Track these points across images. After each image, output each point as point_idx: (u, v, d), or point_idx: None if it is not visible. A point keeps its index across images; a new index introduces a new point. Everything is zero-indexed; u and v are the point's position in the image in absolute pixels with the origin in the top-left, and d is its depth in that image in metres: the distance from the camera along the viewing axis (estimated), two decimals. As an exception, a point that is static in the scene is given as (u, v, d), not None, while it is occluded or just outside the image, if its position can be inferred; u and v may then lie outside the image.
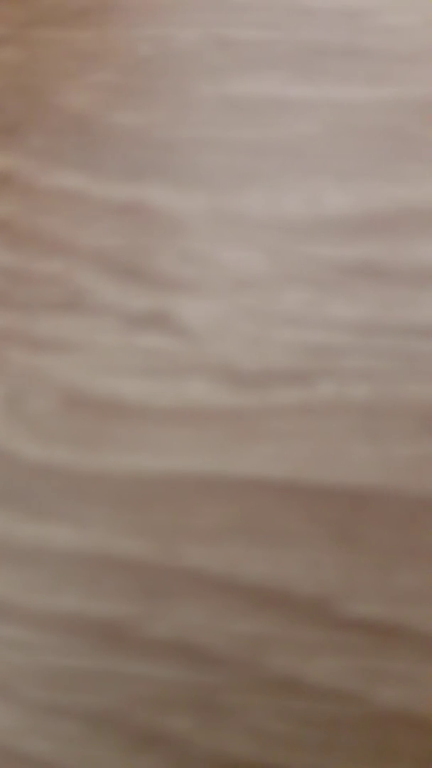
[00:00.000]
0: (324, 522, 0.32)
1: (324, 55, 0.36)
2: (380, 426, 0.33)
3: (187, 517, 0.33)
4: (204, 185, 0.35)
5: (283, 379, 0.33)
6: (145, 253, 0.35)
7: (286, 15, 0.37)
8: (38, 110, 0.37)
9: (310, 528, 0.32)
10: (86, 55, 0.38)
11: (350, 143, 0.35)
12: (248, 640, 0.32)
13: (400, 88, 0.36)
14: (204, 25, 0.37)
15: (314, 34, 0.37)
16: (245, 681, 0.32)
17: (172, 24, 0.38)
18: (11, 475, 0.34)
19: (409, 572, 0.32)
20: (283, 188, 0.35)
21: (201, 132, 0.36)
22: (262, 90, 0.36)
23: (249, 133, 0.36)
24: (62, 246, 0.36)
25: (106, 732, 0.33)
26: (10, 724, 0.33)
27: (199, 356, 0.34)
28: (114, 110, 0.37)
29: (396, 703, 0.32)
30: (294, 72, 0.36)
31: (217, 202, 0.35)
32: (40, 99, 0.37)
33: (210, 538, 0.33)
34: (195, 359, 0.34)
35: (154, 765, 0.32)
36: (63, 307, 0.35)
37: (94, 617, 0.33)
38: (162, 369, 0.34)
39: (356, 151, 0.35)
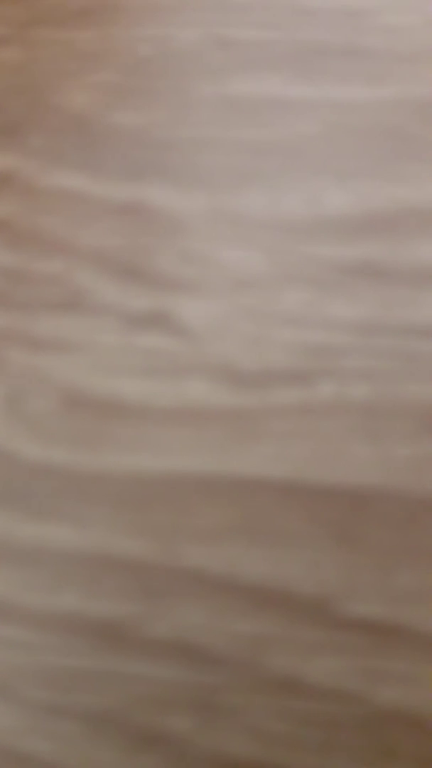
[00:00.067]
0: (324, 522, 0.32)
1: (324, 55, 0.36)
2: (380, 426, 0.33)
3: (187, 517, 0.33)
4: (204, 185, 0.35)
5: (283, 379, 0.33)
6: (145, 253, 0.35)
7: (286, 15, 0.37)
8: (38, 110, 0.37)
9: (310, 528, 0.32)
10: (86, 55, 0.38)
11: (350, 143, 0.35)
12: (248, 640, 0.32)
13: (400, 88, 0.36)
14: (204, 25, 0.37)
15: (314, 34, 0.37)
16: (245, 681, 0.32)
17: (172, 24, 0.38)
18: (11, 475, 0.34)
19: (409, 572, 0.32)
20: (283, 188, 0.35)
21: (201, 132, 0.36)
22: (262, 90, 0.36)
23: (249, 133, 0.36)
24: (62, 246, 0.36)
25: (106, 732, 0.33)
26: (10, 724, 0.33)
27: (199, 356, 0.34)
28: (114, 110, 0.37)
29: (396, 703, 0.32)
30: (294, 72, 0.36)
31: (217, 202, 0.35)
32: (40, 99, 0.37)
33: (210, 538, 0.33)
34: (195, 359, 0.34)
35: (154, 765, 0.32)
36: (63, 307, 0.35)
37: (94, 617, 0.33)
38: (162, 369, 0.34)
39: (356, 151, 0.35)
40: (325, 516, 0.32)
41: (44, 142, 0.37)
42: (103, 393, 0.34)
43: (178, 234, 0.35)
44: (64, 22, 0.39)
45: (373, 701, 0.32)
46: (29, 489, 0.34)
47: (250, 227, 0.35)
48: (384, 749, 0.32)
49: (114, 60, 0.38)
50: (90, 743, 0.33)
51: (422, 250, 0.34)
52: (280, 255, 0.34)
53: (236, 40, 0.37)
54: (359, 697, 0.32)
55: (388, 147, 0.35)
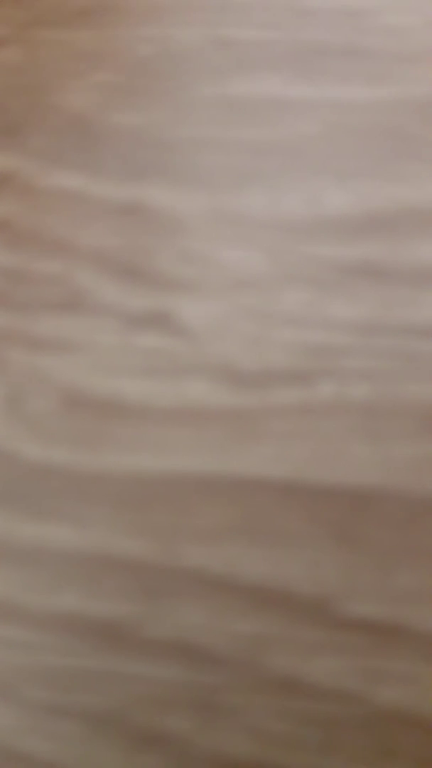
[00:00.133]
0: (324, 522, 0.32)
1: (324, 55, 0.36)
2: (380, 426, 0.33)
3: (187, 517, 0.33)
4: (204, 185, 0.35)
5: (283, 379, 0.33)
6: (145, 253, 0.35)
7: (286, 15, 0.37)
8: (38, 110, 0.37)
9: (310, 528, 0.32)
10: (86, 55, 0.38)
11: (350, 143, 0.35)
12: (248, 640, 0.32)
13: (400, 88, 0.36)
14: (204, 25, 0.37)
15: (314, 34, 0.37)
16: (245, 681, 0.32)
17: (172, 24, 0.38)
18: (11, 475, 0.34)
19: (409, 572, 0.32)
20: (283, 188, 0.35)
21: (201, 132, 0.36)
22: (262, 90, 0.36)
23: (249, 133, 0.36)
24: (62, 246, 0.36)
25: (106, 732, 0.33)
26: (10, 724, 0.33)
27: (199, 356, 0.34)
28: (114, 110, 0.37)
29: (396, 703, 0.32)
30: (294, 72, 0.36)
31: (217, 202, 0.35)
32: (40, 99, 0.37)
33: (210, 538, 0.33)
34: (195, 359, 0.34)
35: (154, 765, 0.32)
36: (63, 307, 0.35)
37: (94, 617, 0.33)
38: (162, 369, 0.34)
39: (356, 151, 0.35)
40: (325, 516, 0.32)
41: (44, 142, 0.37)
42: (103, 393, 0.34)
43: (178, 234, 0.35)
44: (64, 22, 0.39)
45: (373, 701, 0.32)
46: (29, 489, 0.34)
47: (250, 227, 0.35)
48: (384, 749, 0.32)
49: (114, 60, 0.38)
50: (90, 743, 0.33)
51: (422, 250, 0.34)
52: (280, 255, 0.34)
53: (236, 40, 0.37)
54: (359, 697, 0.32)
55: (388, 147, 0.35)
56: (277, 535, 0.33)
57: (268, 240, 0.35)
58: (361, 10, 0.37)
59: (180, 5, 0.38)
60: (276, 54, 0.37)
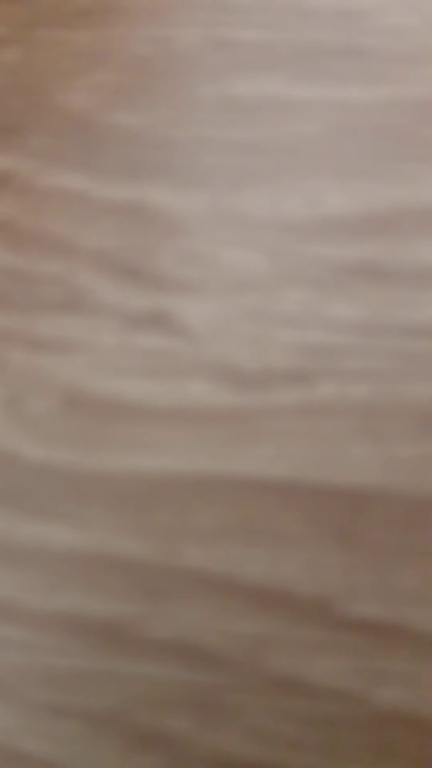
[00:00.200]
0: (324, 522, 0.32)
1: (324, 55, 0.36)
2: (380, 426, 0.33)
3: (187, 517, 0.33)
4: (204, 185, 0.35)
5: (283, 379, 0.33)
6: (145, 253, 0.35)
7: (286, 15, 0.37)
8: (38, 110, 0.37)
9: (310, 528, 0.32)
10: (86, 55, 0.38)
11: (350, 143, 0.35)
12: (248, 640, 0.32)
13: (400, 88, 0.36)
14: (204, 26, 0.37)
15: (314, 35, 0.37)
16: (245, 681, 0.32)
17: (172, 24, 0.38)
18: (11, 475, 0.34)
19: (409, 572, 0.32)
20: (283, 188, 0.35)
21: (201, 132, 0.36)
22: (262, 90, 0.36)
23: (249, 133, 0.36)
24: (62, 246, 0.36)
25: (106, 732, 0.33)
26: (10, 724, 0.33)
27: (199, 356, 0.34)
28: (114, 110, 0.37)
29: (396, 703, 0.32)
30: (294, 72, 0.36)
31: (217, 202, 0.35)
32: (40, 99, 0.37)
33: (210, 538, 0.33)
34: (195, 359, 0.34)
35: (154, 765, 0.32)
36: (63, 307, 0.35)
37: (94, 617, 0.33)
38: (162, 369, 0.34)
39: (356, 151, 0.35)
40: (325, 516, 0.32)
41: (44, 142, 0.37)
42: (104, 393, 0.34)
43: (178, 234, 0.35)
44: (64, 22, 0.39)
45: (373, 701, 0.32)
46: (29, 489, 0.34)
47: (250, 227, 0.35)
48: (384, 749, 0.32)
49: (114, 60, 0.38)
50: (90, 743, 0.33)
51: (422, 251, 0.34)
52: (280, 255, 0.34)
53: (236, 40, 0.37)
54: (359, 697, 0.32)
55: (387, 147, 0.35)
56: (277, 535, 0.33)
57: (268, 240, 0.35)
58: (361, 10, 0.37)
59: (180, 5, 0.38)
60: (276, 54, 0.37)
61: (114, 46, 0.38)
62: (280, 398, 0.33)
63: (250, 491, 0.33)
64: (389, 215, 0.34)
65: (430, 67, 0.36)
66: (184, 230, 0.35)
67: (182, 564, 0.33)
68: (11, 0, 0.40)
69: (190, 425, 0.33)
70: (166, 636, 0.33)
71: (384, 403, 0.33)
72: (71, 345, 0.35)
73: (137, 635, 0.33)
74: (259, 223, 0.35)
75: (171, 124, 0.36)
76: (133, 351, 0.34)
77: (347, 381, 0.33)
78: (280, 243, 0.34)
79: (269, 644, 0.32)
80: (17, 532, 0.34)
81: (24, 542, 0.34)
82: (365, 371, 0.33)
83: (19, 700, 0.33)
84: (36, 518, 0.34)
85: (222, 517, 0.33)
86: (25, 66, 0.38)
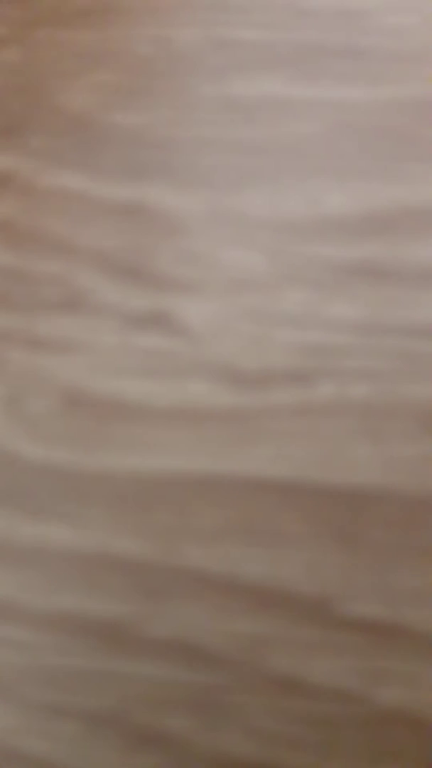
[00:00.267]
0: (324, 522, 0.32)
1: (324, 55, 0.36)
2: (380, 426, 0.33)
3: (187, 517, 0.33)
4: (204, 185, 0.35)
5: (283, 379, 0.33)
6: (145, 253, 0.35)
7: (286, 15, 0.37)
8: (38, 110, 0.37)
9: (310, 528, 0.32)
10: (86, 55, 0.38)
11: (350, 143, 0.35)
12: (248, 640, 0.32)
13: (400, 88, 0.36)
14: (204, 25, 0.37)
15: (314, 35, 0.37)
16: (245, 681, 0.32)
17: (172, 24, 0.38)
18: (11, 475, 0.34)
19: (409, 572, 0.32)
20: (283, 188, 0.35)
21: (201, 132, 0.36)
22: (262, 90, 0.36)
23: (249, 133, 0.36)
24: (62, 246, 0.36)
25: (106, 732, 0.33)
26: (9, 724, 0.33)
27: (199, 356, 0.34)
28: (114, 110, 0.37)
29: (396, 703, 0.32)
30: (294, 72, 0.36)
31: (217, 202, 0.35)
32: (40, 99, 0.37)
33: (210, 538, 0.33)
34: (195, 359, 0.34)
35: (154, 765, 0.32)
36: (63, 307, 0.35)
37: (94, 617, 0.33)
38: (162, 369, 0.34)
39: (356, 151, 0.35)
40: (325, 516, 0.32)
41: (44, 142, 0.37)
42: (104, 393, 0.34)
43: (178, 234, 0.35)
44: (64, 22, 0.39)
45: (373, 701, 0.32)
46: (29, 489, 0.34)
47: (250, 227, 0.35)
48: (384, 749, 0.32)
49: (114, 60, 0.38)
50: (90, 743, 0.33)
51: (422, 251, 0.34)
52: (280, 255, 0.34)
53: (236, 40, 0.37)
54: (359, 697, 0.32)
55: (388, 147, 0.35)
56: (277, 535, 0.33)
57: (268, 240, 0.35)
58: (361, 10, 0.37)
59: (180, 5, 0.38)
60: (276, 54, 0.37)
61: (114, 46, 0.38)
62: (280, 398, 0.33)
63: (250, 491, 0.33)
64: (389, 215, 0.34)
65: (430, 67, 0.36)
66: (184, 230, 0.35)
67: (182, 564, 0.33)
68: (11, 0, 0.40)
69: (190, 425, 0.33)
70: (166, 636, 0.33)
71: (384, 403, 0.33)
72: (71, 345, 0.35)
73: (137, 635, 0.33)
74: (259, 223, 0.35)
75: (171, 124, 0.36)
76: (133, 351, 0.34)
77: (347, 381, 0.33)
78: (280, 243, 0.34)
79: (269, 644, 0.32)
80: (17, 532, 0.34)
81: (24, 542, 0.34)
82: (365, 371, 0.33)
83: (19, 700, 0.33)
84: (36, 518, 0.34)
85: (222, 517, 0.33)
86: (25, 66, 0.38)
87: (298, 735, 0.32)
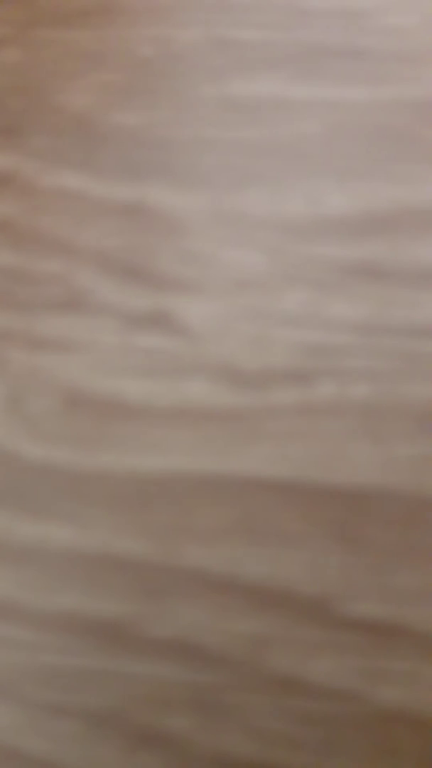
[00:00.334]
0: (324, 522, 0.32)
1: (324, 55, 0.36)
2: (380, 426, 0.33)
3: (187, 517, 0.33)
4: (204, 185, 0.35)
5: (283, 379, 0.33)
6: (145, 253, 0.35)
7: (286, 15, 0.37)
8: (38, 110, 0.37)
9: (310, 528, 0.32)
10: (86, 55, 0.38)
11: (350, 143, 0.35)
12: (248, 640, 0.32)
13: (400, 88, 0.36)
14: (204, 26, 0.37)
15: (314, 35, 0.37)
16: (245, 681, 0.32)
17: (172, 24, 0.38)
18: (11, 474, 0.34)
19: (409, 572, 0.32)
20: (284, 188, 0.35)
21: (201, 132, 0.36)
22: (262, 90, 0.36)
23: (249, 133, 0.36)
24: (62, 246, 0.36)
25: (106, 731, 0.33)
26: (10, 723, 0.33)
27: (200, 356, 0.34)
28: (114, 110, 0.37)
29: (396, 703, 0.32)
30: (294, 72, 0.36)
31: (217, 202, 0.35)
32: (40, 99, 0.37)
33: (210, 538, 0.33)
34: (195, 359, 0.34)
35: (154, 765, 0.32)
36: (63, 307, 0.35)
37: (94, 617, 0.33)
38: (162, 369, 0.34)
39: (356, 151, 0.35)
40: (325, 516, 0.32)
41: (44, 142, 0.37)
42: (104, 393, 0.34)
43: (178, 234, 0.35)
44: (64, 22, 0.39)
45: (374, 701, 0.32)
46: (29, 489, 0.34)
47: (250, 227, 0.35)
48: (384, 749, 0.32)
49: (114, 60, 0.38)
50: (90, 743, 0.33)
51: (422, 251, 0.34)
52: (281, 255, 0.34)
53: (236, 40, 0.37)
54: (359, 697, 0.32)
55: (388, 147, 0.35)
56: (277, 535, 0.33)
57: (269, 240, 0.35)
58: (361, 10, 0.37)
59: (180, 5, 0.38)
60: (276, 54, 0.37)
61: (114, 46, 0.38)
62: (280, 398, 0.33)
63: (251, 491, 0.33)
64: (389, 215, 0.34)
65: (430, 67, 0.36)
66: (184, 230, 0.35)
67: (182, 563, 0.33)
68: (11, 0, 0.40)
69: (190, 425, 0.33)
70: (166, 635, 0.33)
71: (384, 403, 0.33)
72: (71, 345, 0.35)
73: (137, 635, 0.33)
74: (259, 223, 0.35)
75: (171, 124, 0.36)
76: (133, 351, 0.34)
77: (347, 381, 0.33)
78: (280, 243, 0.35)
79: (269, 644, 0.32)
80: (17, 532, 0.34)
81: (24, 542, 0.34)
82: (365, 371, 0.33)
83: (20, 700, 0.33)
84: (36, 518, 0.34)
85: (222, 516, 0.33)
86: (25, 66, 0.38)
87: (298, 735, 0.32)
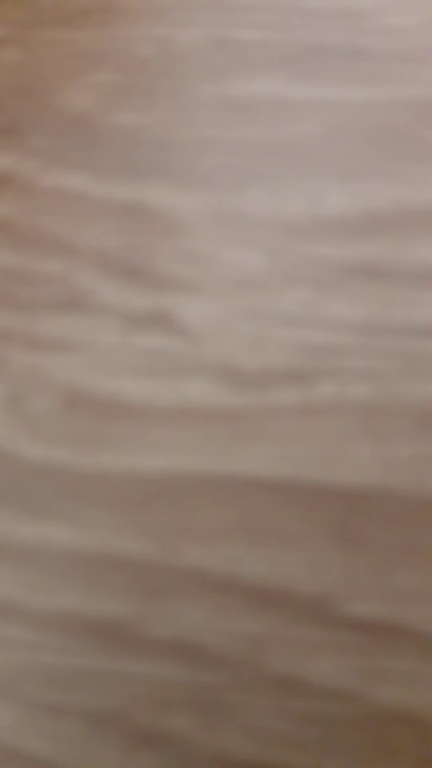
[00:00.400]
0: (324, 522, 0.32)
1: (324, 55, 0.36)
2: (380, 426, 0.33)
3: (187, 517, 0.33)
4: (204, 185, 0.35)
5: (283, 379, 0.33)
6: (145, 253, 0.35)
7: (286, 15, 0.37)
8: (38, 110, 0.37)
9: (310, 528, 0.32)
10: (86, 55, 0.38)
11: (350, 143, 0.35)
12: (248, 640, 0.32)
13: (400, 88, 0.36)
14: (204, 26, 0.37)
15: (314, 35, 0.37)
16: (245, 681, 0.32)
17: (172, 24, 0.38)
18: (11, 475, 0.34)
19: (409, 572, 0.32)
20: (284, 188, 0.35)
21: (201, 132, 0.36)
22: (262, 90, 0.36)
23: (249, 133, 0.36)
24: (62, 246, 0.36)
25: (106, 731, 0.33)
26: (10, 723, 0.33)
27: (200, 356, 0.34)
28: (114, 110, 0.37)
29: (396, 703, 0.32)
30: (294, 72, 0.36)
31: (217, 202, 0.35)
32: (40, 99, 0.37)
33: (210, 538, 0.33)
34: (195, 359, 0.34)
35: (154, 765, 0.32)
36: (63, 307, 0.35)
37: (94, 617, 0.33)
38: (162, 369, 0.34)
39: (356, 151, 0.35)
40: (325, 516, 0.32)
41: (44, 142, 0.37)
42: (104, 393, 0.34)
43: (178, 234, 0.35)
44: (64, 22, 0.39)
45: (373, 701, 0.32)
46: (29, 489, 0.34)
47: (250, 227, 0.35)
48: (384, 749, 0.32)
49: (114, 60, 0.38)
50: (90, 743, 0.33)
51: (422, 251, 0.34)
52: (281, 255, 0.34)
53: (236, 40, 0.37)
54: (359, 697, 0.32)
55: (388, 147, 0.35)
56: (277, 535, 0.33)
57: (269, 240, 0.35)
58: (361, 10, 0.37)
59: (180, 5, 0.38)
60: (276, 54, 0.37)
61: (114, 46, 0.38)
62: (280, 398, 0.33)
63: (251, 491, 0.33)
64: (389, 215, 0.34)
65: (430, 67, 0.36)
66: (184, 230, 0.35)
67: (182, 564, 0.33)
68: (11, 0, 0.40)
69: (190, 425, 0.33)
70: (166, 635, 0.33)
71: (384, 403, 0.33)
72: (71, 345, 0.35)
73: (138, 635, 0.33)
74: (259, 223, 0.35)
75: (171, 124, 0.36)
76: (133, 351, 0.34)
77: (347, 381, 0.33)
78: (280, 243, 0.35)
79: (269, 644, 0.32)
80: (17, 532, 0.34)
81: (24, 542, 0.34)
82: (365, 371, 0.33)
83: (20, 700, 0.33)
84: (36, 518, 0.34)
85: (222, 516, 0.33)
86: (25, 66, 0.38)
87: (298, 735, 0.32)
